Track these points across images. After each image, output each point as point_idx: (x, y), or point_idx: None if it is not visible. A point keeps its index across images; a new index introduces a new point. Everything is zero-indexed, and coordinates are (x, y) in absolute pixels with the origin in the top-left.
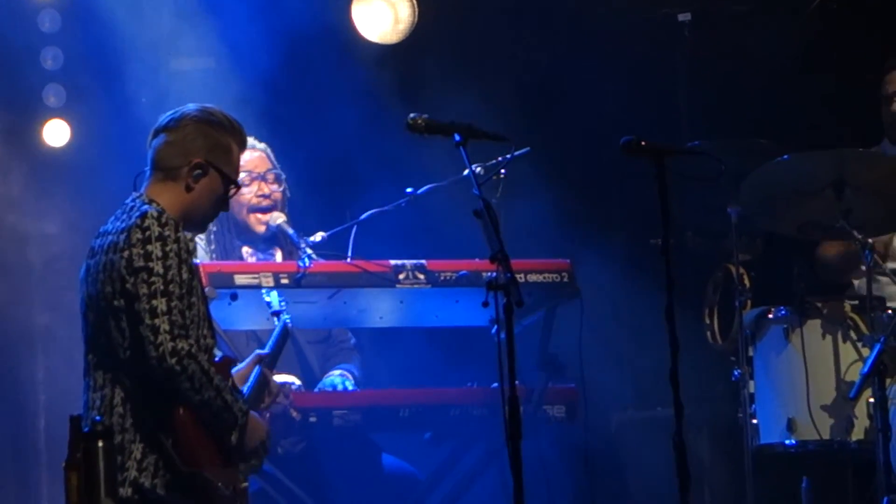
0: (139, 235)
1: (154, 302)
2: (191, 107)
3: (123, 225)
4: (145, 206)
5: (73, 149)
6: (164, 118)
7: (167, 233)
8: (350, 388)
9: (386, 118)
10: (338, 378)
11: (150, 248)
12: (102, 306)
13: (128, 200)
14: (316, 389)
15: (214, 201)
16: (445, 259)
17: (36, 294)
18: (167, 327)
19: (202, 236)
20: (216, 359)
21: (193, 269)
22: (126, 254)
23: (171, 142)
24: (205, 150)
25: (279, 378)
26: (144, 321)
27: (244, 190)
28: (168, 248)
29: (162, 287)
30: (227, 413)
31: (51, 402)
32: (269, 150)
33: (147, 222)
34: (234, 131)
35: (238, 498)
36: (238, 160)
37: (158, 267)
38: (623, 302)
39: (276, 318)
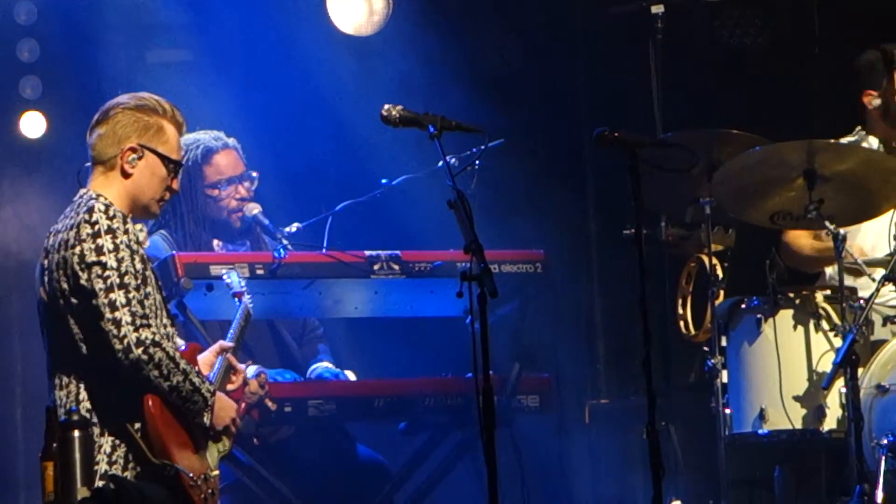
0: (88, 230)
1: (112, 295)
2: (121, 97)
3: (72, 222)
4: (91, 201)
5: (50, 140)
6: (97, 114)
7: (116, 225)
8: (343, 375)
9: (361, 109)
10: (333, 367)
11: (100, 241)
12: (60, 304)
13: (75, 198)
14: (313, 377)
15: (158, 183)
16: (420, 250)
17: (12, 284)
18: (129, 319)
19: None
20: (182, 348)
21: (145, 259)
22: (77, 249)
23: (104, 134)
24: (136, 134)
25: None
26: (105, 315)
27: (223, 194)
28: (118, 241)
29: (118, 280)
30: (196, 395)
31: (28, 393)
32: (238, 146)
33: (95, 216)
34: (164, 112)
35: (209, 486)
36: (175, 140)
37: (111, 260)
38: (597, 292)
39: (236, 300)
